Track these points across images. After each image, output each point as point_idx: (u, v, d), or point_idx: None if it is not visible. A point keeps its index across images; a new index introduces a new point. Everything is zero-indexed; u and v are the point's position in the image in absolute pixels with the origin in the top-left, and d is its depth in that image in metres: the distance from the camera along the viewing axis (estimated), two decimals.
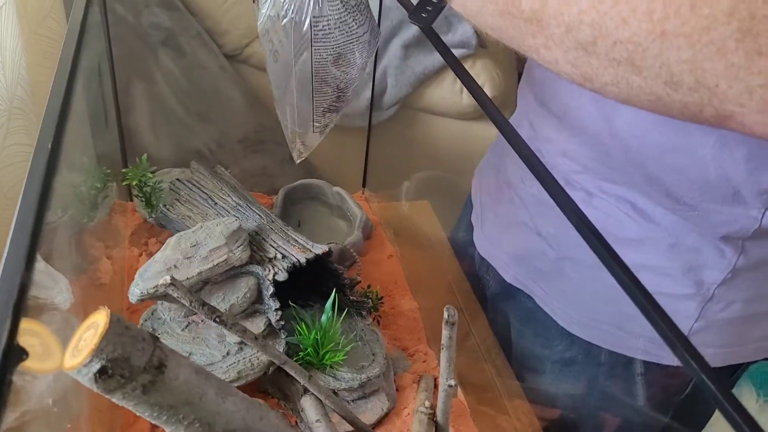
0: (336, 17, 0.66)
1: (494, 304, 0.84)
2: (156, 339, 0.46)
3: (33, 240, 0.36)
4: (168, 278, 0.52)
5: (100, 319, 0.45)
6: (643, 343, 0.68)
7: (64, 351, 0.45)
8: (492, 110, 0.58)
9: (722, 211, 0.60)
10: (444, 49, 0.63)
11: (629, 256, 0.67)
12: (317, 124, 0.71)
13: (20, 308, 0.30)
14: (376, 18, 1.24)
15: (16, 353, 0.29)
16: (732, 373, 0.71)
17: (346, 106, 0.71)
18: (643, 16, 0.36)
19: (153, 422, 0.47)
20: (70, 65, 0.58)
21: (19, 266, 0.32)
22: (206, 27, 1.57)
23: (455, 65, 0.63)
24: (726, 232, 0.61)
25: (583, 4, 0.38)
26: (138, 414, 0.46)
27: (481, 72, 1.58)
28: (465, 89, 1.60)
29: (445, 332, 0.53)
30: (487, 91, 1.57)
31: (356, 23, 0.67)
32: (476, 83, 0.62)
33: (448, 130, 1.64)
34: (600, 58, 0.39)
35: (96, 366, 0.43)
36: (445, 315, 0.52)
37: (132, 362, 0.44)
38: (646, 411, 0.71)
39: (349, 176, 1.12)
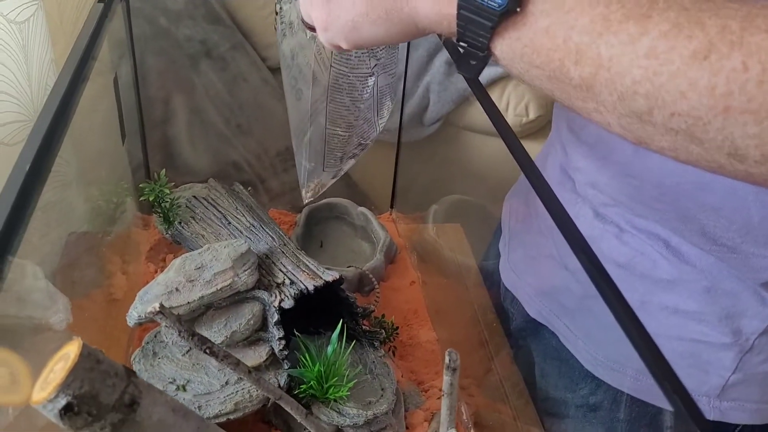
0: None
1: (518, 339, 0.79)
2: (131, 374, 0.44)
3: None
4: (157, 306, 0.50)
5: (71, 350, 0.43)
6: None
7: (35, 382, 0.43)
8: (512, 140, 0.54)
9: (765, 255, 0.54)
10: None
11: (662, 298, 0.62)
12: (334, 168, 0.69)
13: None
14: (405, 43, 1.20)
15: None
16: None
17: (363, 153, 0.70)
18: (704, 91, 0.33)
19: None
20: (70, 77, 0.57)
21: None
22: (251, 40, 1.56)
23: (480, 94, 0.59)
24: None
25: (636, 75, 0.35)
26: None
27: (526, 91, 1.53)
28: (510, 107, 1.56)
29: (446, 378, 0.49)
30: (532, 111, 1.52)
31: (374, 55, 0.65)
32: (497, 108, 0.58)
33: (490, 148, 1.59)
34: (656, 127, 0.36)
35: (62, 402, 0.41)
36: (447, 360, 0.48)
37: (101, 399, 0.42)
38: None
39: (382, 194, 1.09)
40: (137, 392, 0.44)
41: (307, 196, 0.75)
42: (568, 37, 0.37)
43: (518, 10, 0.39)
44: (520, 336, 0.78)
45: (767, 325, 0.57)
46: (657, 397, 0.63)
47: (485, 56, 0.42)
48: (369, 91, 0.66)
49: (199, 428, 0.47)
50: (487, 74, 1.52)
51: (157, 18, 1.41)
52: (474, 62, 0.43)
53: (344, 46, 0.49)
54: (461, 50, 0.43)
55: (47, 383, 0.41)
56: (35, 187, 0.47)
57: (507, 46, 0.41)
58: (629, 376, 0.64)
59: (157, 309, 0.50)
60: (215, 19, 1.53)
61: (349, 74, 0.64)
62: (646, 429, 0.65)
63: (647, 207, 0.60)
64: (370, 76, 0.65)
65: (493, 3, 0.39)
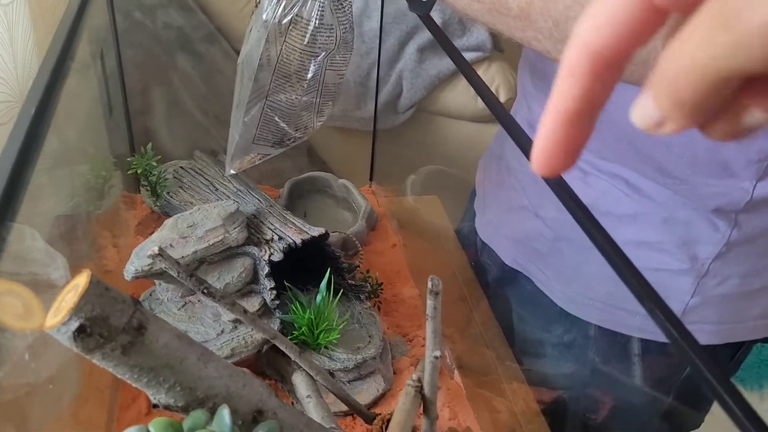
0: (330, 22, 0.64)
1: (495, 289, 0.83)
2: (137, 302, 0.47)
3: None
4: (156, 249, 0.53)
5: (81, 280, 0.46)
6: (639, 321, 0.67)
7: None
8: (491, 99, 0.58)
9: (713, 184, 0.59)
10: (448, 46, 0.63)
11: (625, 232, 0.67)
12: (263, 148, 0.71)
13: None
14: (378, 23, 1.20)
15: None
16: (734, 352, 0.69)
17: (286, 147, 0.72)
18: None
19: (134, 384, 0.48)
20: (57, 56, 0.59)
21: None
22: (224, 32, 1.60)
23: (461, 62, 0.63)
24: (717, 205, 0.60)
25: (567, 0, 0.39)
26: (118, 376, 0.47)
27: (496, 75, 1.58)
28: None
29: (429, 302, 0.53)
30: (502, 94, 1.57)
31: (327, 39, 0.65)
32: (477, 75, 0.62)
33: (462, 132, 1.64)
34: None
35: (75, 324, 0.44)
36: (429, 284, 0.52)
37: (111, 322, 0.45)
38: (647, 392, 0.70)
39: (358, 173, 1.13)
40: (144, 318, 0.47)
41: (234, 167, 0.75)
42: None
43: None
44: (497, 285, 0.82)
45: (719, 250, 0.62)
46: (624, 326, 0.68)
47: None
48: (314, 71, 0.66)
49: (203, 354, 0.50)
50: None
51: (132, 11, 1.44)
52: (424, 0, 0.47)
53: None
54: None
55: (59, 310, 0.45)
56: (30, 158, 0.49)
57: None
58: (598, 309, 0.69)
59: (156, 252, 0.53)
60: (188, 11, 1.56)
61: (298, 49, 0.65)
62: (616, 358, 0.70)
63: (608, 148, 0.64)
64: (318, 56, 0.66)
65: None
